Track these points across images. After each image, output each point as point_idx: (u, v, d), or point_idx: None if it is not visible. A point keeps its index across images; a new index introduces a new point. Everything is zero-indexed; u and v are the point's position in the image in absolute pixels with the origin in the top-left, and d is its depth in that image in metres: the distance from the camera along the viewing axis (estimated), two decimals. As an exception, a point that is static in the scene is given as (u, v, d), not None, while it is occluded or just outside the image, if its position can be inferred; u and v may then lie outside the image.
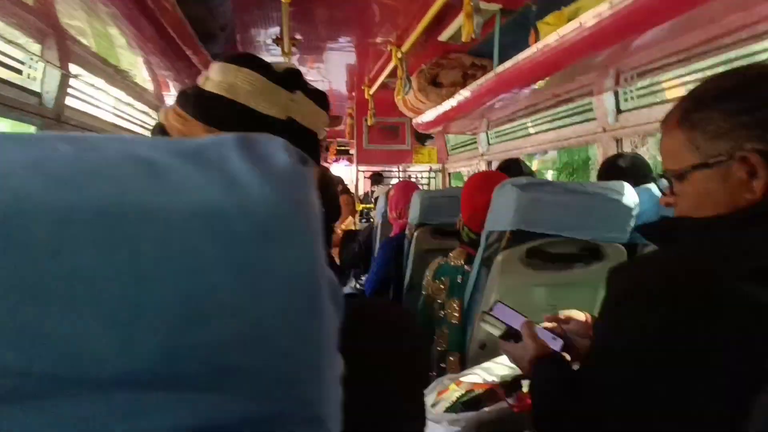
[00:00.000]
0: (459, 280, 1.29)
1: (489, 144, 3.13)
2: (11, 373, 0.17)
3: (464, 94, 2.12)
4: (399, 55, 2.21)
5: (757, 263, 0.46)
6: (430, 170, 4.09)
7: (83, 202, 0.17)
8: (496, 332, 0.86)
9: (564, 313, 0.89)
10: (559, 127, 2.27)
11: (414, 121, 2.88)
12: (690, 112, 0.57)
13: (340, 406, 0.24)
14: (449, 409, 1.00)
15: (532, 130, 2.53)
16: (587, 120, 2.06)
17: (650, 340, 0.48)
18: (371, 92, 3.13)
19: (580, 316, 0.88)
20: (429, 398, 1.03)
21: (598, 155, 2.09)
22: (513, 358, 0.82)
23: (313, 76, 3.59)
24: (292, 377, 0.20)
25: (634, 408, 0.49)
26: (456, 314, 1.28)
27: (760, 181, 0.50)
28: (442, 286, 1.32)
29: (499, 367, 1.05)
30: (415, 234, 1.90)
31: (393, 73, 2.57)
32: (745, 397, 0.44)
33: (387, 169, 4.17)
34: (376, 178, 3.96)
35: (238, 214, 0.18)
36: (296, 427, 0.21)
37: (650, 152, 1.84)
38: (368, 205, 3.83)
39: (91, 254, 0.17)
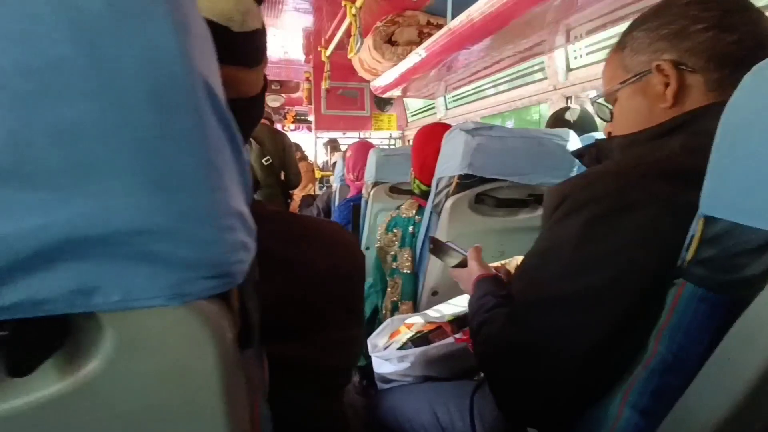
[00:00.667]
0: (410, 231, 1.31)
1: (447, 108, 3.13)
2: None
3: (420, 52, 2.10)
4: (353, 11, 2.14)
5: (668, 164, 0.49)
6: (390, 137, 4.07)
7: None
8: (452, 262, 0.88)
9: (511, 261, 0.91)
10: (514, 87, 2.30)
11: (372, 83, 2.84)
12: (624, 36, 0.61)
13: (242, 251, 0.23)
14: (400, 349, 1.02)
15: (488, 92, 2.54)
16: (540, 80, 2.09)
17: (572, 240, 0.50)
18: (327, 54, 3.04)
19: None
20: (381, 340, 1.05)
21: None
22: (462, 284, 0.84)
23: (269, 40, 3.44)
24: (164, 182, 0.18)
25: (555, 303, 0.51)
26: (408, 263, 1.30)
27: (672, 89, 0.53)
28: (394, 238, 1.34)
29: (450, 308, 1.08)
30: (371, 193, 1.90)
31: (349, 33, 2.50)
32: (659, 291, 0.47)
33: (347, 136, 4.11)
34: (332, 145, 3.90)
35: None
36: (175, 246, 0.19)
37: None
38: (327, 173, 3.78)
39: None
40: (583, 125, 1.36)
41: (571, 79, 1.88)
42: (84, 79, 0.16)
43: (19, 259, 0.17)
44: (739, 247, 0.39)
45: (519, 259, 0.91)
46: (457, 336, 0.93)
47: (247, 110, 0.47)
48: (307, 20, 3.14)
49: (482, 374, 0.94)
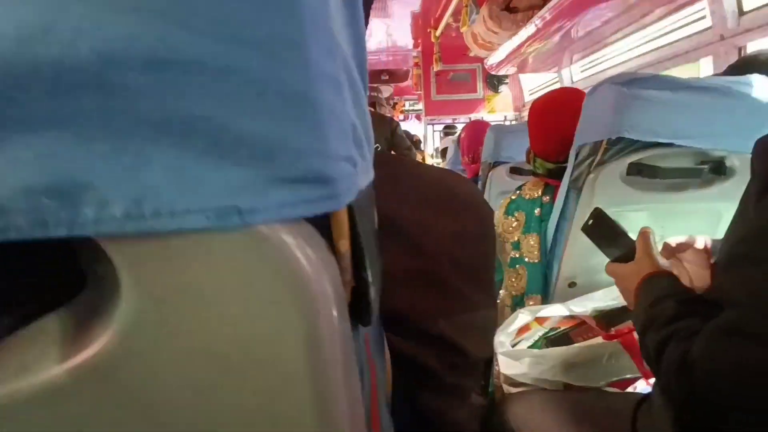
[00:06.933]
0: (536, 213, 1.13)
1: (573, 81, 2.79)
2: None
3: (543, 15, 1.86)
4: (466, -21, 1.99)
5: None
6: (505, 120, 3.79)
7: None
8: (612, 252, 0.66)
9: (676, 240, 0.68)
10: (661, 46, 1.92)
11: (486, 61, 2.64)
12: None
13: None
14: (532, 348, 0.87)
15: (625, 56, 2.18)
16: (699, 32, 1.71)
17: None
18: (437, 34, 2.91)
19: (698, 242, 0.68)
20: (507, 337, 0.91)
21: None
22: (621, 283, 0.64)
23: (378, 31, 3.44)
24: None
25: None
26: (535, 251, 1.12)
27: None
28: (516, 223, 1.17)
29: (593, 302, 0.90)
30: (490, 174, 1.73)
31: (459, 9, 2.35)
32: None
33: (458, 122, 3.95)
34: (447, 131, 3.76)
35: None
36: (226, 112, 0.10)
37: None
38: (439, 161, 3.66)
39: None
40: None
41: (745, 23, 1.49)
42: None
43: None
44: None
45: (693, 240, 0.67)
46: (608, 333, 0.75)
47: None
48: (415, 3, 3.05)
49: (648, 386, 0.74)
